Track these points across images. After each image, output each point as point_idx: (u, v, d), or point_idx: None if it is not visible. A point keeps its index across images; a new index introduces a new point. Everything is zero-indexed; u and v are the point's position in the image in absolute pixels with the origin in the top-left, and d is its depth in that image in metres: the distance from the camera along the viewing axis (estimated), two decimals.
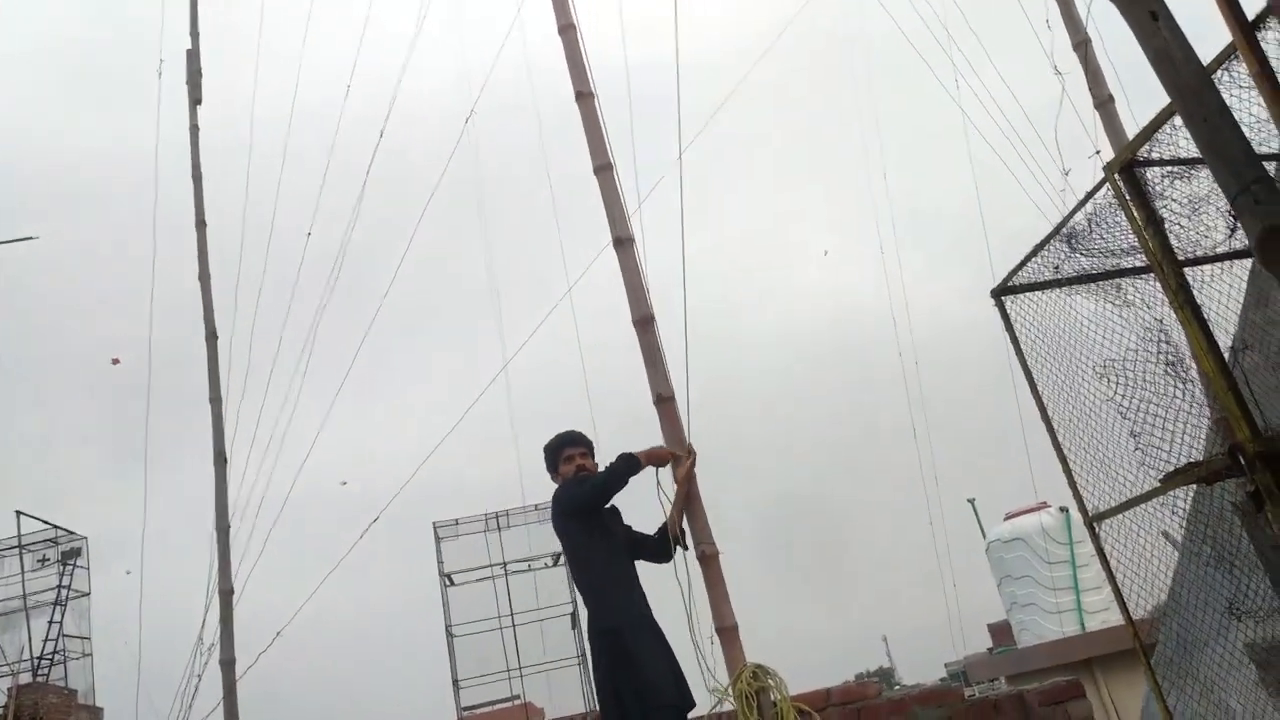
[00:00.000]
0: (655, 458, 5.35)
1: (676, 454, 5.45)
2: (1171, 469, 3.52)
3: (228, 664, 5.53)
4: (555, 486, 5.25)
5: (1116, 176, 3.36)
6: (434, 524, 16.87)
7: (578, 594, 16.69)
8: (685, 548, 5.34)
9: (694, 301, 6.00)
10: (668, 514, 5.30)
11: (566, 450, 5.23)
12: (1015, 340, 4.34)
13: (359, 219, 8.03)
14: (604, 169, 6.13)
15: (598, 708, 4.85)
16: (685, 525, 5.36)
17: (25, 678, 15.44)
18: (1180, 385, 3.58)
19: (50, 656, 16.25)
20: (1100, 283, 4.02)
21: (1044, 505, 12.25)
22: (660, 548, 5.25)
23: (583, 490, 5.06)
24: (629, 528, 5.30)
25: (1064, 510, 11.68)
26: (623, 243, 6.01)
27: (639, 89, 7.06)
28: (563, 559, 17.16)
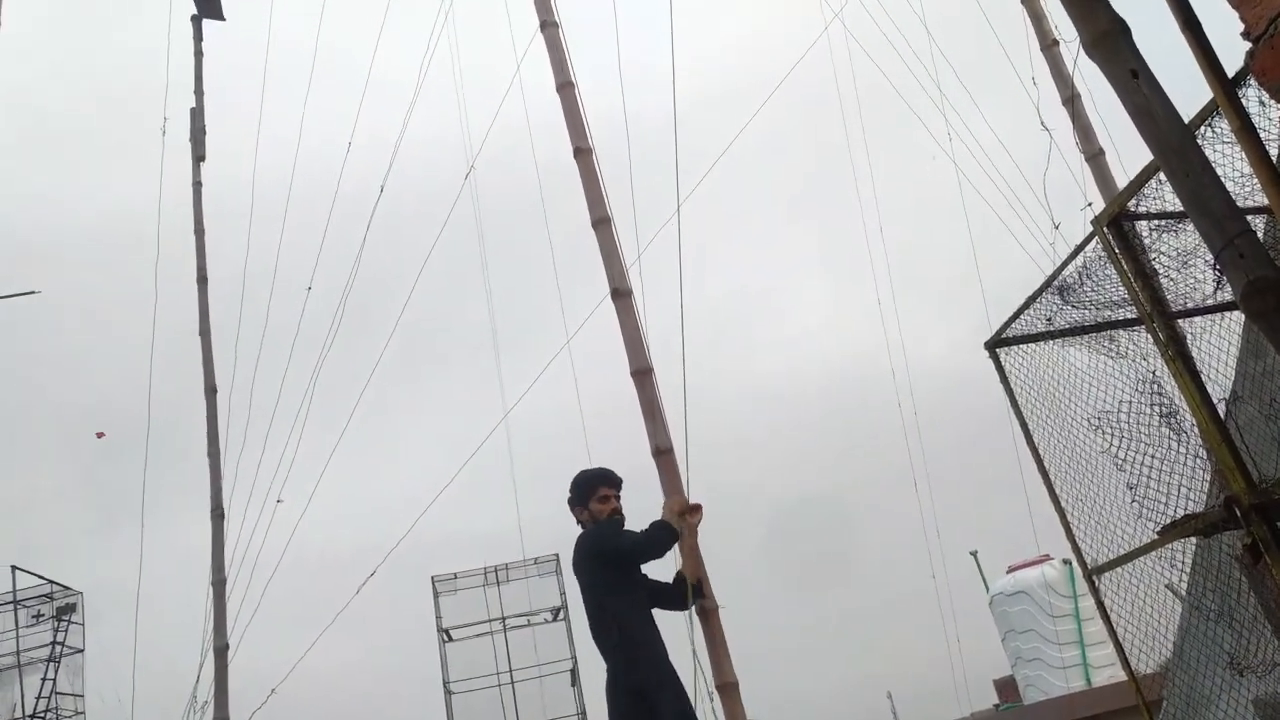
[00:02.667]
0: (679, 512, 5.34)
1: (689, 505, 5.43)
2: (1169, 521, 3.51)
3: None
4: (576, 521, 5.17)
5: (1105, 229, 3.41)
6: (432, 578, 16.70)
7: (577, 649, 16.38)
8: (703, 597, 5.29)
9: (691, 352, 6.02)
10: (681, 563, 5.27)
11: (602, 489, 5.16)
12: (1010, 392, 4.36)
13: (360, 271, 8.10)
14: (602, 222, 6.21)
15: None
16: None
17: None
18: (1176, 437, 3.58)
19: (43, 715, 16.00)
20: (1093, 334, 4.05)
21: (1046, 558, 12.15)
22: (677, 597, 5.21)
23: (623, 544, 5.01)
24: (645, 575, 5.24)
25: (1067, 563, 11.58)
26: (621, 295, 6.06)
27: (636, 139, 7.16)
28: (563, 614, 16.99)
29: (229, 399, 6.29)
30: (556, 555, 17.02)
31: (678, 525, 5.21)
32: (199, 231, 6.96)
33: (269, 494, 6.36)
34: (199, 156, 7.51)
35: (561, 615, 17.07)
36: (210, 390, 6.32)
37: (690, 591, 5.20)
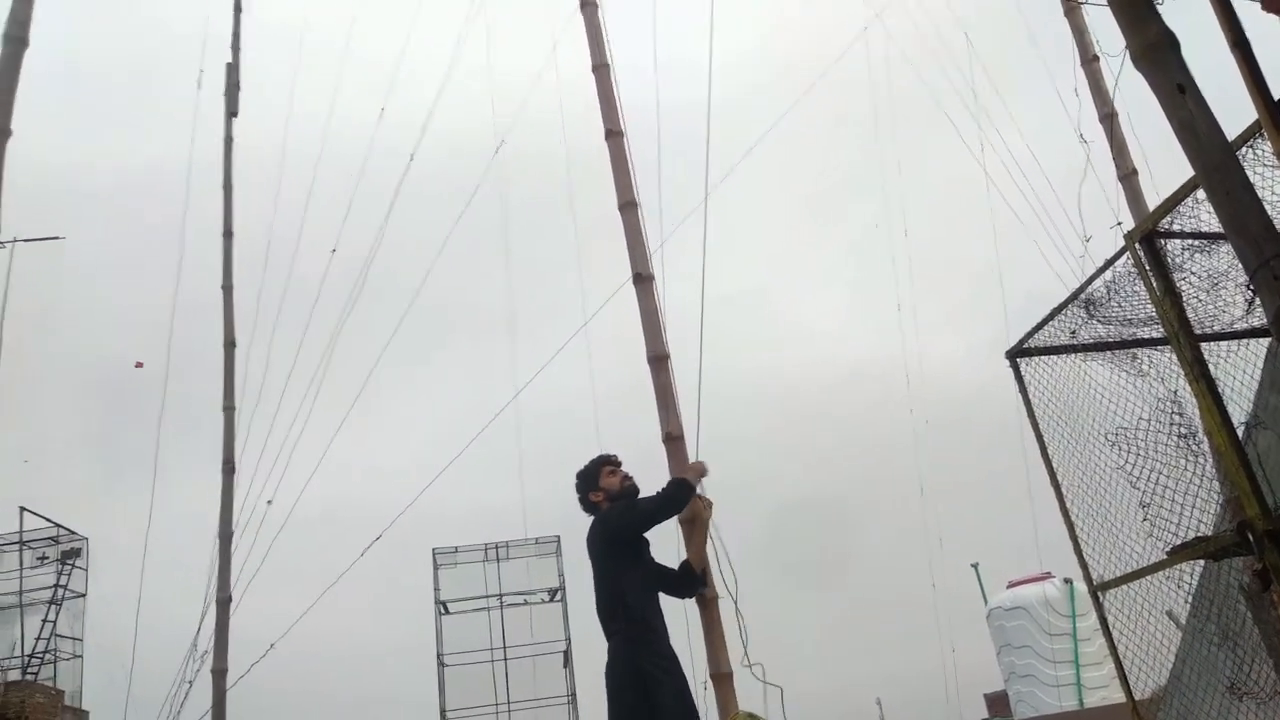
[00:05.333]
0: (698, 474, 5.35)
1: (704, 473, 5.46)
2: (1179, 543, 3.49)
3: (219, 673, 5.51)
4: (590, 508, 5.19)
5: (1137, 245, 3.38)
6: (433, 550, 16.78)
7: (572, 631, 16.40)
8: (705, 586, 5.31)
9: (707, 343, 6.03)
10: (689, 549, 5.28)
11: (607, 466, 5.21)
12: (1028, 402, 4.34)
13: (385, 241, 8.12)
14: (629, 206, 6.21)
15: None
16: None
17: (14, 675, 15.37)
18: (1192, 459, 3.56)
19: (41, 655, 16.18)
20: (1116, 351, 4.02)
21: (1048, 575, 12.13)
22: (683, 583, 5.24)
23: (636, 514, 5.03)
24: (652, 558, 5.25)
25: (1068, 582, 11.56)
26: (642, 279, 6.06)
27: (666, 129, 7.14)
28: (560, 595, 17.05)
29: (247, 354, 6.34)
30: (558, 537, 17.08)
31: (695, 482, 5.27)
32: (228, 187, 6.99)
33: (280, 452, 6.41)
34: (232, 112, 7.54)
35: (559, 596, 17.14)
36: (230, 344, 6.36)
37: (696, 579, 5.24)
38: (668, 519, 5.15)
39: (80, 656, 17.05)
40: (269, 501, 5.97)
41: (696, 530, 5.28)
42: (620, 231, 6.34)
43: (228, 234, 6.63)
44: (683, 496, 5.10)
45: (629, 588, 4.87)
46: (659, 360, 5.95)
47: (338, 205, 8.54)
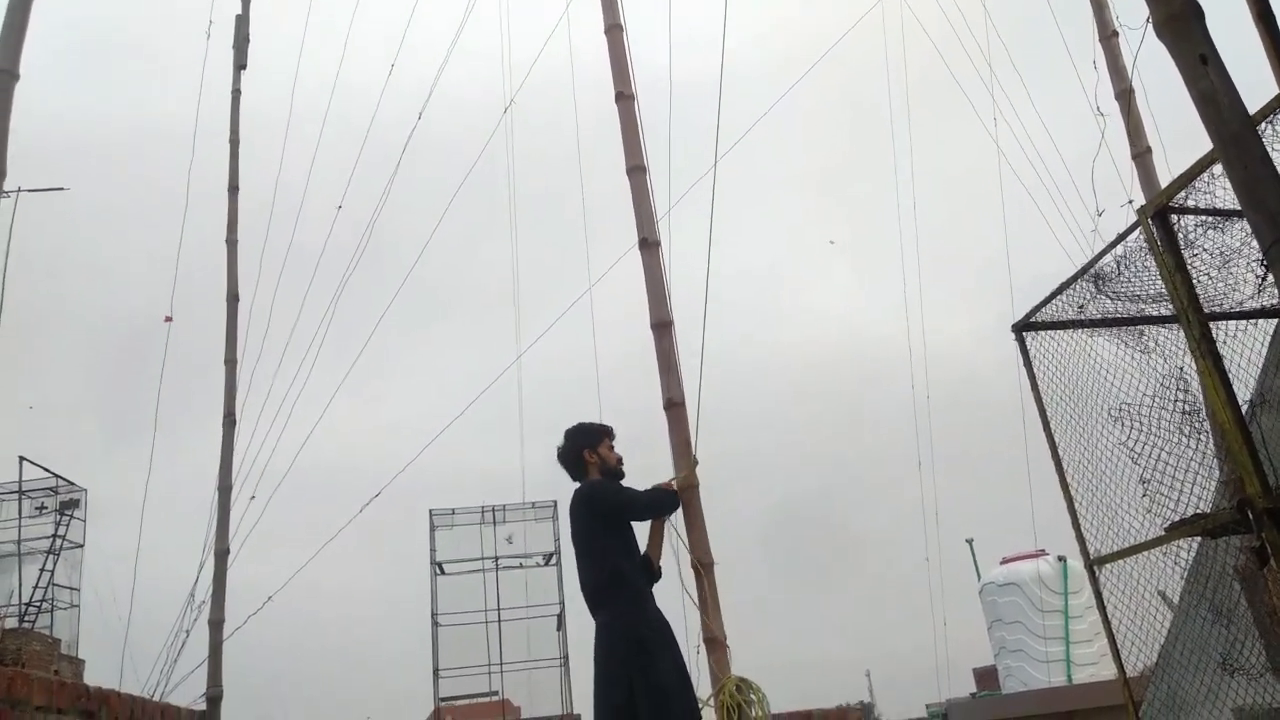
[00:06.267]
0: (686, 487, 5.49)
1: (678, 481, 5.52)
2: (1178, 519, 3.50)
3: (216, 624, 5.55)
4: (577, 466, 5.19)
5: (1150, 220, 3.36)
6: (430, 511, 16.88)
7: (566, 595, 16.48)
8: (658, 579, 5.35)
9: (711, 312, 6.01)
10: (650, 544, 5.30)
11: (608, 438, 5.26)
12: (1032, 376, 4.33)
13: (391, 201, 8.08)
14: (637, 170, 6.17)
15: (599, 708, 4.68)
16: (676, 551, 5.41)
17: (11, 622, 15.49)
18: (1195, 436, 3.56)
19: (39, 604, 16.31)
20: (1123, 327, 4.00)
21: (1042, 553, 12.17)
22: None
23: (628, 500, 5.11)
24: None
25: (1062, 560, 11.60)
26: (648, 245, 6.04)
27: (677, 96, 7.09)
28: (555, 559, 17.16)
29: (250, 308, 6.32)
30: (554, 502, 17.18)
31: (682, 494, 5.38)
32: (234, 141, 6.93)
33: (281, 407, 6.41)
34: (240, 65, 7.45)
35: (553, 560, 17.26)
36: (232, 298, 6.34)
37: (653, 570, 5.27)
38: (644, 519, 5.23)
39: (77, 606, 17.20)
40: (251, 497, 5.97)
41: (656, 530, 5.34)
42: (627, 198, 6.30)
43: (233, 189, 6.59)
44: (667, 505, 5.25)
45: (623, 557, 4.89)
46: (662, 326, 5.93)
47: (344, 163, 8.49)
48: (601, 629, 4.79)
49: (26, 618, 16.13)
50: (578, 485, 5.15)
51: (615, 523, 4.98)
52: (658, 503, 5.21)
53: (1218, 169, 3.06)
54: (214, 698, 5.43)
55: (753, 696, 5.19)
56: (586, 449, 5.18)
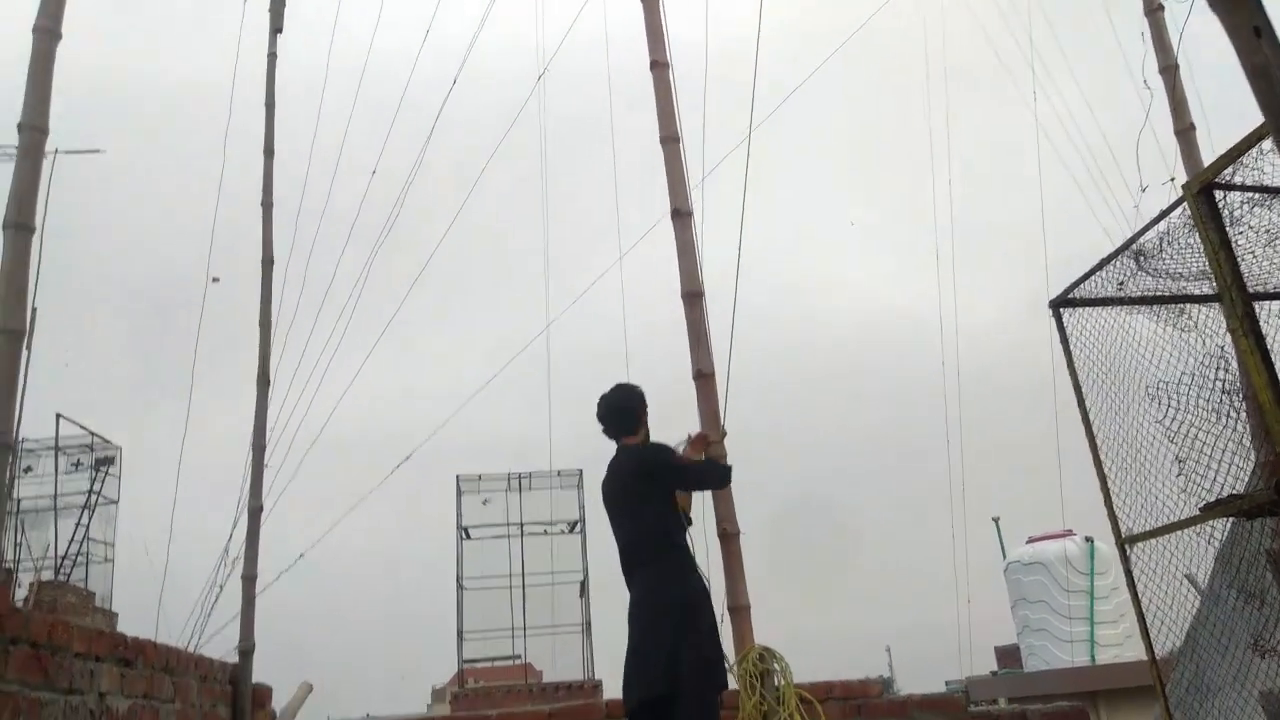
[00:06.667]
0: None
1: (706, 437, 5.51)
2: (1213, 500, 3.46)
3: (249, 579, 5.64)
4: (624, 434, 5.12)
5: (1195, 196, 3.30)
6: (458, 476, 17.04)
7: (590, 564, 16.59)
8: (690, 523, 5.34)
9: (742, 284, 6.00)
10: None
11: (647, 410, 5.24)
12: (1069, 353, 4.28)
13: (423, 166, 8.11)
14: (670, 140, 6.13)
15: (639, 673, 4.61)
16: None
17: (47, 575, 15.84)
18: (1235, 417, 3.51)
19: (74, 558, 16.66)
20: (1163, 305, 3.95)
21: (1069, 533, 12.13)
22: None
23: (682, 468, 5.07)
24: None
25: (1089, 540, 11.57)
26: (681, 215, 6.01)
27: (711, 70, 7.03)
28: (580, 528, 17.29)
29: (285, 272, 6.38)
30: (580, 471, 17.30)
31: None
32: (270, 104, 6.96)
33: (314, 370, 6.49)
34: (277, 28, 7.48)
35: (578, 529, 17.40)
36: (267, 262, 6.38)
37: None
38: (697, 490, 5.20)
39: (111, 561, 17.56)
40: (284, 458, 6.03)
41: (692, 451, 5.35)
42: (660, 167, 6.27)
43: (268, 152, 6.62)
44: (724, 481, 5.23)
45: (673, 522, 4.86)
46: (693, 296, 5.92)
47: (379, 128, 8.52)
48: (645, 591, 4.72)
49: (62, 571, 16.50)
50: (629, 444, 5.07)
51: (667, 488, 4.94)
52: (715, 476, 5.20)
53: (1266, 144, 3.00)
54: (246, 651, 5.53)
55: (775, 666, 5.21)
56: (640, 412, 5.16)
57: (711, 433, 5.57)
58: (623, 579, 4.95)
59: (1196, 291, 3.94)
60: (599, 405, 5.19)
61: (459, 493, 17.08)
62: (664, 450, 5.10)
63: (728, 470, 5.29)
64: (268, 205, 6.51)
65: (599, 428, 5.22)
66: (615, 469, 5.05)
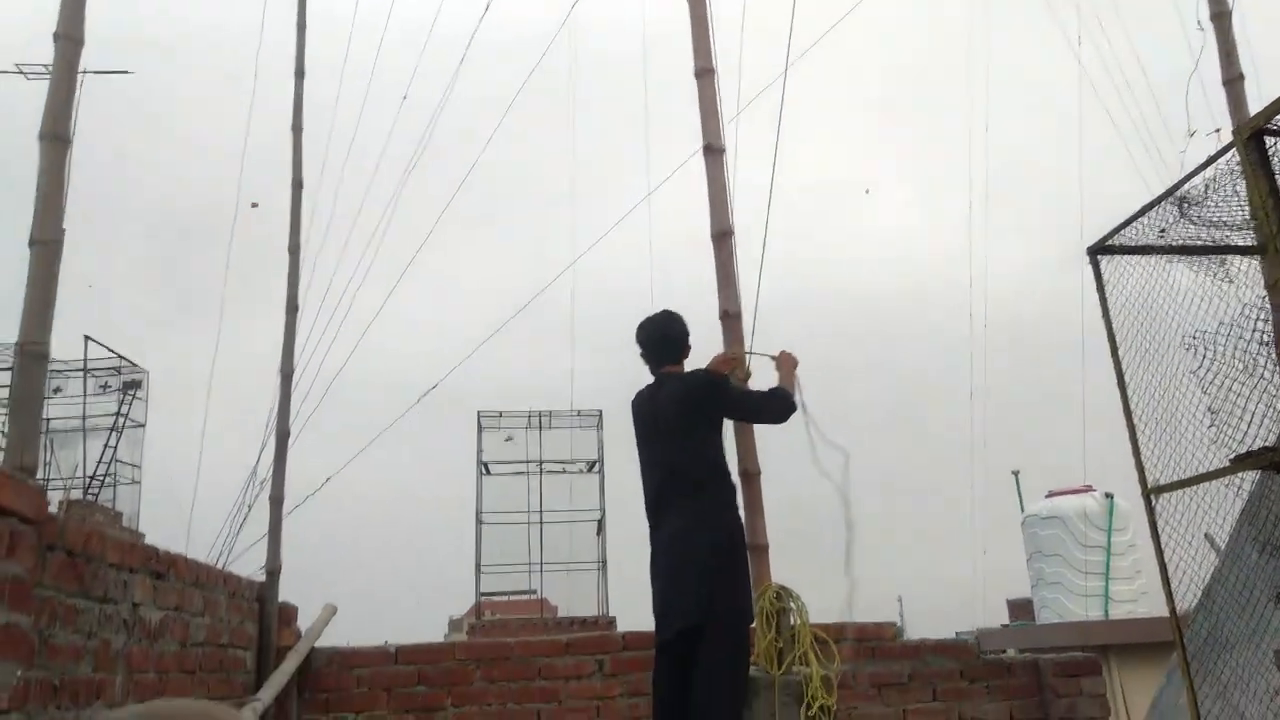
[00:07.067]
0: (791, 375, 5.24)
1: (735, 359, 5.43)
2: (1244, 451, 3.44)
3: (276, 501, 5.74)
4: (667, 361, 4.97)
5: (1245, 143, 3.22)
6: (479, 412, 17.19)
7: (607, 503, 16.74)
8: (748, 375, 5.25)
9: (772, 225, 5.95)
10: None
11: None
12: (1104, 301, 4.22)
13: (454, 95, 8.04)
14: (705, 73, 6.03)
15: (677, 603, 4.56)
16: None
17: (76, 494, 16.17)
18: (1271, 369, 3.47)
19: (102, 478, 16.97)
20: (1204, 256, 3.88)
21: (1089, 489, 12.11)
22: None
23: (741, 398, 4.94)
24: None
25: (1109, 497, 11.55)
26: (713, 151, 5.94)
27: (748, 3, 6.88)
28: (598, 467, 17.44)
29: (315, 197, 6.38)
30: (599, 411, 17.42)
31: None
32: (301, 25, 6.89)
33: (342, 298, 6.53)
34: None
35: (596, 469, 17.56)
36: (297, 185, 6.37)
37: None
38: (757, 421, 5.12)
39: (138, 483, 17.88)
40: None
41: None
42: (691, 103, 6.18)
43: (299, 74, 6.57)
44: (786, 412, 4.93)
45: (722, 454, 4.78)
46: (722, 236, 5.88)
47: (410, 53, 8.43)
48: (690, 520, 4.58)
49: (90, 491, 16.83)
50: (671, 372, 4.95)
51: (717, 419, 4.84)
52: (777, 406, 4.91)
53: None
54: (273, 571, 5.64)
55: (792, 605, 5.26)
56: (686, 340, 5.03)
57: (738, 373, 5.51)
58: (647, 510, 4.86)
59: (1240, 242, 3.86)
60: (642, 330, 5.02)
61: (480, 428, 17.24)
62: (719, 378, 4.95)
63: (790, 401, 4.97)
64: (298, 128, 6.48)
65: (637, 352, 5.06)
66: (657, 396, 4.88)
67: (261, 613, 5.64)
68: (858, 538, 5.09)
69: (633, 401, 5.07)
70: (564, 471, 17.98)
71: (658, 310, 5.10)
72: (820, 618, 5.30)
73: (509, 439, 16.87)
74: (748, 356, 5.57)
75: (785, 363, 5.15)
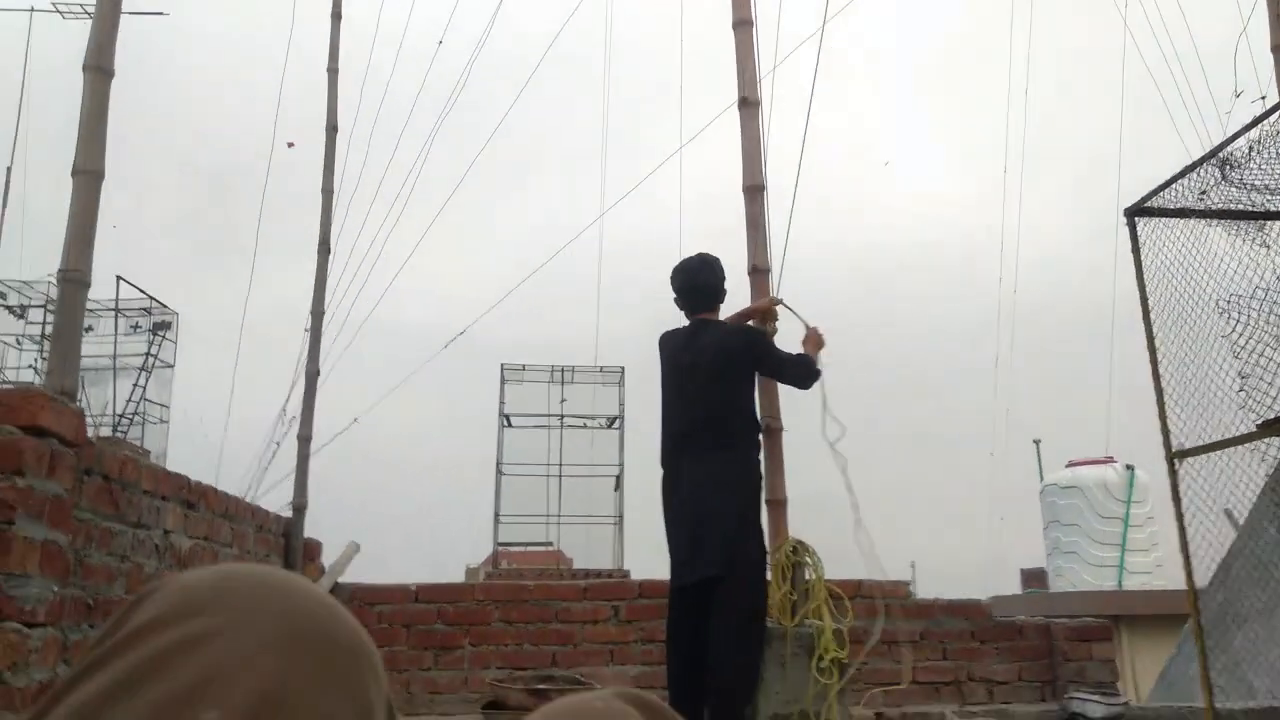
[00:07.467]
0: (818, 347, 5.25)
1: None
2: (1272, 417, 3.43)
3: (304, 439, 5.83)
4: (700, 306, 4.93)
5: None
6: (502, 365, 17.28)
7: (626, 459, 16.83)
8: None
9: (805, 183, 5.91)
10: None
11: None
12: (1139, 265, 4.19)
13: (488, 45, 8.01)
14: (743, 24, 5.95)
15: (700, 550, 4.55)
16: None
17: (106, 431, 16.44)
18: None
19: (131, 416, 17.24)
20: (1244, 221, 3.84)
21: (1109, 460, 12.07)
22: None
23: (779, 358, 4.91)
24: None
25: (1130, 468, 11.51)
26: (748, 104, 5.88)
27: None
28: (619, 423, 17.55)
29: (349, 141, 6.40)
30: (622, 368, 17.47)
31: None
32: None
33: (374, 242, 6.57)
34: None
35: (616, 425, 17.65)
36: (331, 128, 6.39)
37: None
38: (785, 383, 5.07)
39: (166, 422, 18.15)
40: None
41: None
42: (722, 57, 6.12)
43: (336, 16, 6.57)
44: (812, 382, 4.94)
45: (752, 403, 4.80)
46: (754, 190, 5.84)
47: (446, 3, 8.40)
48: (720, 469, 4.59)
49: (120, 428, 17.11)
50: (708, 318, 4.92)
51: (754, 373, 4.85)
52: (809, 374, 4.92)
53: None
54: (299, 507, 5.75)
55: (808, 560, 5.31)
56: (723, 289, 5.02)
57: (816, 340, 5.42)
58: (666, 448, 4.84)
59: (1278, 207, 3.82)
60: (681, 275, 4.98)
61: (502, 380, 17.34)
62: (761, 334, 4.98)
63: (816, 369, 5.00)
64: (333, 71, 6.48)
65: (672, 297, 5.03)
66: (696, 341, 4.83)
67: (287, 547, 5.77)
68: (861, 507, 5.09)
69: (662, 339, 5.04)
70: (585, 426, 18.09)
71: (694, 255, 5.07)
72: (834, 574, 5.35)
73: (522, 380, 16.93)
74: (780, 310, 5.54)
75: (813, 338, 5.13)
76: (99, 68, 3.59)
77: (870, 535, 5.34)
